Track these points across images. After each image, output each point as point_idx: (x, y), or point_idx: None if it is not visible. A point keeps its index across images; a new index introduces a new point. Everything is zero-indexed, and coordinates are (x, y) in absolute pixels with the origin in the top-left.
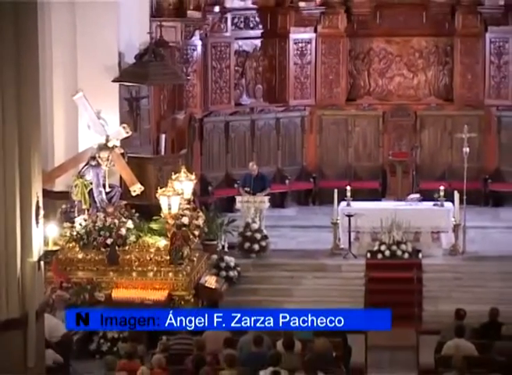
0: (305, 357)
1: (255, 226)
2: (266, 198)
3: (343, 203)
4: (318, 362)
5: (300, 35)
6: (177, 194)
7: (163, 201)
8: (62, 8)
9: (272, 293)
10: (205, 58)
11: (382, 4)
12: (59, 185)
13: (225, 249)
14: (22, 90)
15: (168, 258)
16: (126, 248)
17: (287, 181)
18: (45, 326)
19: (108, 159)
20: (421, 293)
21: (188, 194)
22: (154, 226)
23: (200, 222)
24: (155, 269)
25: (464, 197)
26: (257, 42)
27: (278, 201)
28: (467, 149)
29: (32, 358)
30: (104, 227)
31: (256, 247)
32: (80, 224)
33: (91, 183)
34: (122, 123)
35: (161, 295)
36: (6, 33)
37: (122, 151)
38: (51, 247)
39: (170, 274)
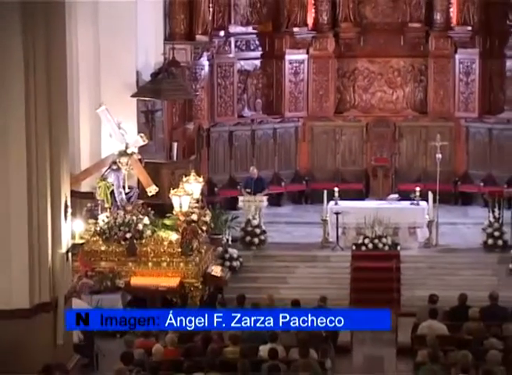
0: (299, 335)
1: (255, 222)
2: (265, 198)
3: (332, 202)
4: (310, 340)
5: (294, 56)
6: (187, 194)
7: (175, 201)
8: (87, 33)
9: (270, 280)
10: (212, 76)
11: (365, 29)
12: (85, 186)
13: (229, 242)
14: (52, 98)
15: (179, 250)
16: (143, 241)
17: (283, 183)
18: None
19: (127, 164)
20: (399, 280)
21: (197, 195)
22: (167, 222)
23: (208, 218)
24: (168, 259)
25: (437, 197)
26: (257, 62)
27: (275, 201)
28: (440, 155)
29: (61, 337)
30: (124, 223)
31: (256, 240)
32: (103, 220)
33: (113, 185)
34: (139, 132)
35: (173, 282)
36: (38, 32)
37: (140, 157)
38: (78, 240)
39: (181, 264)
